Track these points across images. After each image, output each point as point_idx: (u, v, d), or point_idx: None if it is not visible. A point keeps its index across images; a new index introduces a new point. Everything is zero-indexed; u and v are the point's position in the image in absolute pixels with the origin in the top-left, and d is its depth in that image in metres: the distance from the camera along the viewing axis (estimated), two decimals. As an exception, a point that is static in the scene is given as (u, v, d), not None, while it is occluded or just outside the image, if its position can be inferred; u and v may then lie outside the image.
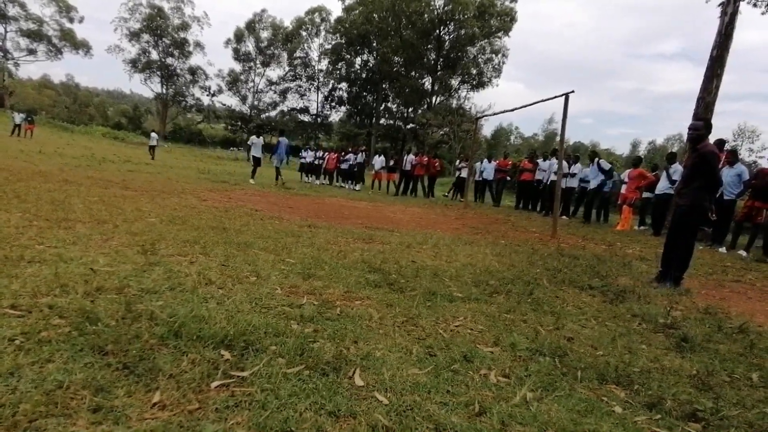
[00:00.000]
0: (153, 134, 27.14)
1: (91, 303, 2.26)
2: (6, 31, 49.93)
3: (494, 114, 14.86)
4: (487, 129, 65.91)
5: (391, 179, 18.02)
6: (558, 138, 12.87)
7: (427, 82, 51.50)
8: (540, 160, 13.51)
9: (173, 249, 3.66)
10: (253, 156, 14.82)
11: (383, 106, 54.86)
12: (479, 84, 50.13)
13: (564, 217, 12.19)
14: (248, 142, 15.53)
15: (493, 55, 49.19)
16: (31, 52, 52.01)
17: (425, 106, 49.60)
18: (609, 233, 9.10)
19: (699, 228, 4.56)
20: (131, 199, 6.28)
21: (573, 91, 7.61)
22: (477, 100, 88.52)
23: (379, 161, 18.17)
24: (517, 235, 7.63)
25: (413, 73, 50.23)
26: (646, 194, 10.91)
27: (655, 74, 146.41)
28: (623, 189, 11.45)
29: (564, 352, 2.40)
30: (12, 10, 49.22)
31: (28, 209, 4.53)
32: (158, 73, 56.45)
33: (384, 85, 52.38)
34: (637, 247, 7.23)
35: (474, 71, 49.22)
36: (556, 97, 8.10)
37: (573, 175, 12.16)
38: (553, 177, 11.76)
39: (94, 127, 45.87)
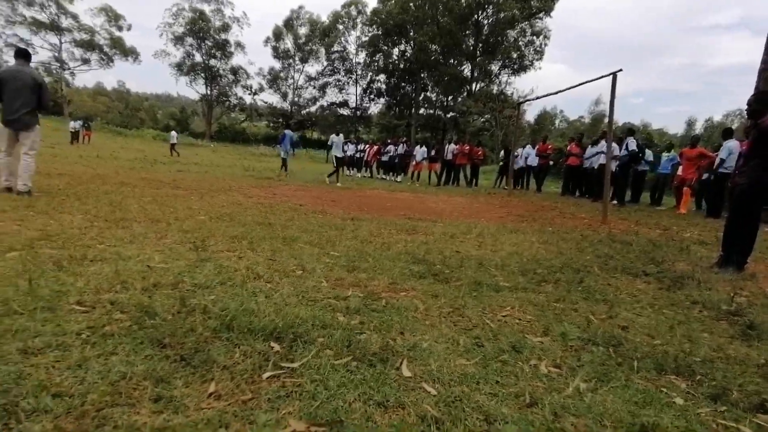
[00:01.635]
0: (173, 133, 28.61)
1: (149, 298, 2.36)
2: (61, 43, 52.83)
3: (537, 98, 14.56)
4: (531, 114, 64.13)
5: (432, 169, 17.87)
6: (606, 120, 12.34)
7: (467, 69, 50.61)
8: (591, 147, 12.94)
9: (222, 245, 3.77)
10: (335, 156, 13.96)
11: (422, 95, 54.42)
12: (520, 68, 48.77)
13: (614, 202, 11.73)
14: (328, 142, 14.92)
15: (534, 38, 47.66)
16: (85, 61, 54.88)
17: (465, 94, 48.81)
18: (664, 217, 8.68)
19: (763, 208, 4.26)
20: (182, 198, 6.52)
21: (621, 70, 7.28)
22: (518, 85, 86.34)
23: (421, 152, 18.06)
24: (564, 221, 7.41)
25: (452, 61, 49.50)
26: (707, 175, 10.32)
27: (710, 47, 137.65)
28: (680, 170, 10.89)
29: (618, 341, 2.31)
30: (65, 22, 52.02)
31: (89, 211, 4.79)
32: (202, 74, 58.28)
33: (422, 75, 51.87)
34: (695, 230, 6.86)
35: (515, 55, 47.91)
36: (602, 77, 7.77)
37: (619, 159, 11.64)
38: (601, 160, 11.31)
39: (145, 131, 47.95)
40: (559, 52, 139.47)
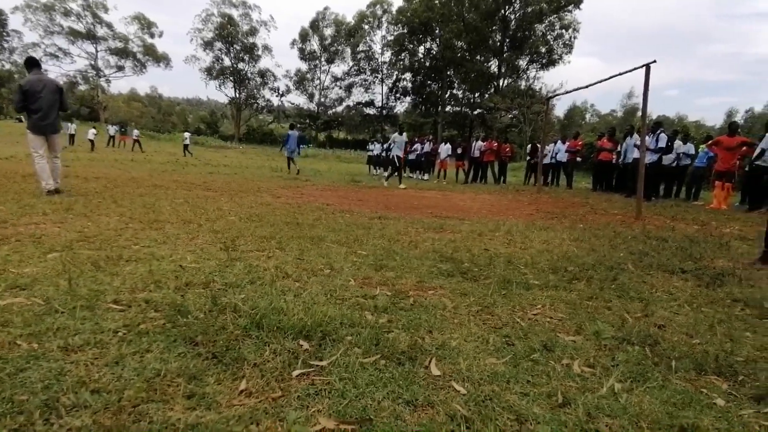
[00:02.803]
0: (186, 134, 29.81)
1: (182, 297, 2.41)
2: (97, 51, 54.84)
3: (566, 92, 14.14)
4: (560, 109, 63.03)
5: (459, 167, 17.73)
6: (639, 113, 11.98)
7: (494, 65, 50.05)
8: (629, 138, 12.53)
9: (252, 245, 3.83)
10: (396, 156, 12.93)
11: (448, 93, 54.11)
12: (549, 62, 47.95)
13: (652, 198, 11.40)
14: (390, 141, 13.50)
15: (563, 31, 46.80)
16: (120, 68, 56.80)
17: (492, 90, 48.28)
18: (702, 212, 8.38)
19: None
20: (212, 200, 6.66)
21: (654, 61, 7.05)
22: (547, 80, 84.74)
23: (445, 149, 17.95)
24: (596, 218, 7.23)
25: (478, 57, 49.02)
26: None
27: (753, 35, 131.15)
28: (717, 163, 10.48)
29: (655, 340, 2.24)
30: (101, 31, 53.93)
31: (124, 212, 4.94)
32: (231, 78, 59.50)
33: (448, 72, 51.56)
34: (735, 225, 6.60)
35: (543, 49, 47.13)
36: (635, 69, 7.55)
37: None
38: (635, 154, 10.99)
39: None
40: (589, 44, 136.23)
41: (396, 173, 13.12)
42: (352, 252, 3.82)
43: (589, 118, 73.25)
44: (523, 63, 49.24)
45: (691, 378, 1.89)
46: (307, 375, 1.73)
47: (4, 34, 56.26)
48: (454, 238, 4.83)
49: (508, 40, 47.99)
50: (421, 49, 54.14)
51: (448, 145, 18.43)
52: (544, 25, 46.62)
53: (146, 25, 56.22)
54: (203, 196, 6.99)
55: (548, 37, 47.07)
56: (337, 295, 2.67)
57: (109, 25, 54.62)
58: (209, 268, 3.03)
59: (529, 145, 17.23)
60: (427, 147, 18.25)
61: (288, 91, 62.22)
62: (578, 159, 15.35)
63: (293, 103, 63.41)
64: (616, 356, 2.05)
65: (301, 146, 16.94)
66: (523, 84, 48.12)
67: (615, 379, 1.81)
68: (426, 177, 17.74)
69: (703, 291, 3.24)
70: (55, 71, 56.28)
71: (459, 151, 17.81)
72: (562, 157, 14.93)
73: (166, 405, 1.47)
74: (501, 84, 48.84)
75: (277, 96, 62.71)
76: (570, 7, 45.19)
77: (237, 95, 60.51)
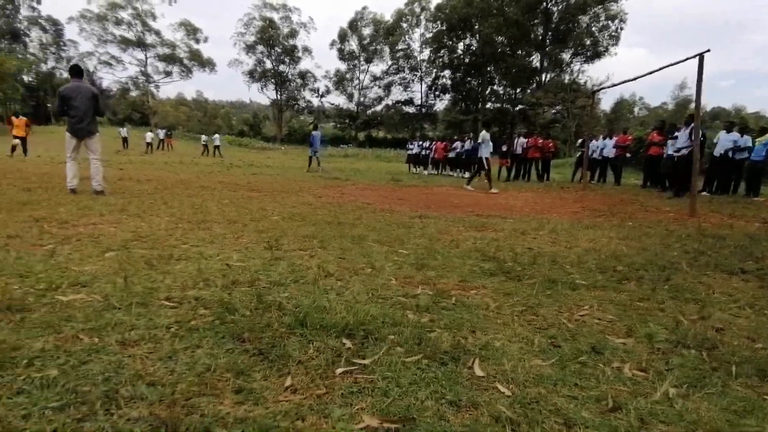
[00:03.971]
0: (216, 135, 30.95)
1: (229, 295, 2.49)
2: (146, 58, 57.34)
3: (613, 86, 13.58)
4: (606, 102, 60.79)
5: (502, 165, 17.43)
6: (693, 105, 11.41)
7: (536, 60, 48.95)
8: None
9: (295, 244, 3.90)
10: (485, 157, 11.49)
11: (489, 89, 53.33)
12: (594, 55, 46.40)
13: (705, 193, 10.85)
14: (479, 140, 11.63)
15: (609, 22, 45.18)
16: (167, 74, 59.20)
17: (534, 85, 47.23)
18: (763, 209, 7.89)
19: None
20: (256, 200, 6.83)
21: (708, 50, 6.70)
22: (592, 73, 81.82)
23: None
24: (647, 215, 6.95)
25: (519, 52, 48.04)
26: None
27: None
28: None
29: (713, 344, 2.13)
30: (150, 38, 56.38)
31: (174, 213, 5.14)
32: (272, 80, 60.89)
33: (489, 68, 50.81)
34: (800, 223, 6.18)
35: (587, 42, 45.65)
36: (687, 59, 7.20)
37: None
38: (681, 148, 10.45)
39: (221, 136, 50.78)
40: (636, 35, 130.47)
41: (479, 175, 11.89)
42: (393, 251, 3.82)
43: (637, 112, 70.43)
44: (566, 56, 47.88)
45: (753, 384, 1.79)
46: (351, 373, 1.74)
47: (61, 43, 59.66)
48: (497, 236, 4.76)
49: (550, 34, 46.77)
50: (461, 45, 53.61)
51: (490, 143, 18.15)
52: (588, 17, 45.11)
53: (192, 31, 58.31)
54: (247, 197, 7.18)
55: (593, 28, 45.53)
56: (379, 294, 2.68)
57: (158, 33, 57.06)
58: (254, 266, 3.10)
59: (580, 140, 16.62)
60: (468, 145, 18.04)
61: (328, 91, 63.12)
62: (627, 154, 14.72)
63: (333, 104, 64.24)
64: (670, 360, 1.97)
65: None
66: (566, 78, 46.80)
67: (669, 384, 1.74)
68: (467, 175, 17.54)
69: (766, 293, 3.05)
70: (108, 78, 59.66)
71: (503, 148, 17.49)
72: (609, 152, 14.40)
73: (216, 399, 1.52)
74: (543, 79, 47.68)
75: (317, 97, 63.78)
76: (616, -3, 43.49)
77: (278, 97, 61.87)
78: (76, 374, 1.60)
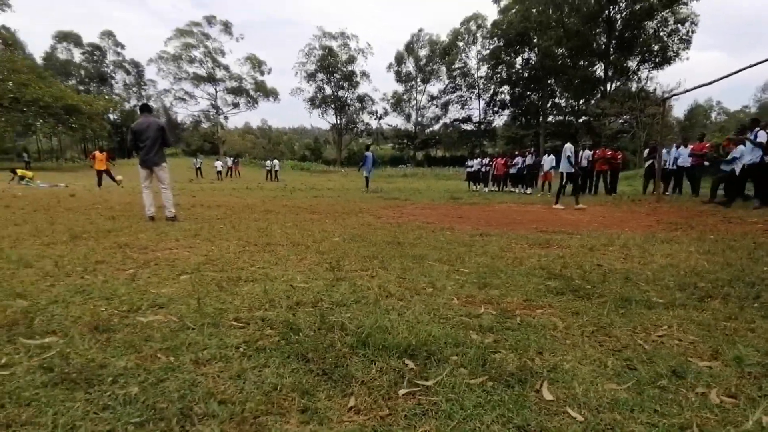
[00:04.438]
0: (275, 161, 32.03)
1: (293, 316, 2.55)
2: (216, 91, 61.18)
3: (686, 91, 12.69)
4: (679, 109, 57.52)
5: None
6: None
7: (599, 69, 47.25)
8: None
9: (356, 265, 3.95)
10: (566, 173, 10.66)
11: (550, 102, 52.01)
12: (663, 61, 44.06)
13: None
14: (565, 153, 10.52)
15: (679, 26, 42.78)
16: (235, 105, 62.82)
17: (599, 96, 45.48)
18: None
19: None
20: (318, 222, 7.01)
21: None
22: (662, 79, 77.77)
23: (548, 161, 17.19)
24: (730, 228, 6.42)
25: (581, 63, 46.60)
26: None
27: None
28: None
29: (815, 369, 1.91)
30: (219, 73, 60.25)
31: (241, 237, 5.38)
32: (332, 106, 62.91)
33: (549, 81, 49.62)
34: None
35: (655, 47, 43.48)
36: (769, 57, 6.68)
37: None
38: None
39: (284, 162, 52.87)
40: (709, 38, 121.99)
41: (563, 191, 11.00)
42: (455, 270, 3.77)
43: (715, 117, 65.86)
44: (632, 64, 45.77)
45: None
46: (413, 394, 1.72)
47: (142, 83, 65.26)
48: (563, 253, 4.58)
49: (614, 42, 45.03)
50: (519, 60, 52.80)
51: (552, 156, 17.61)
52: (655, 22, 42.98)
53: (257, 64, 61.65)
54: (309, 219, 7.39)
55: (661, 33, 43.30)
56: (441, 314, 2.65)
57: (226, 68, 60.84)
58: (317, 287, 3.17)
59: (647, 149, 15.70)
60: (529, 160, 17.62)
61: (386, 113, 64.21)
62: (706, 163, 13.70)
63: (391, 125, 65.19)
64: (763, 386, 1.79)
65: (374, 166, 18.22)
66: (634, 86, 44.63)
67: (763, 411, 1.58)
68: (529, 191, 17.10)
69: None
70: (182, 113, 64.11)
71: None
72: (685, 161, 13.51)
73: (282, 418, 1.56)
74: (608, 88, 45.82)
75: (375, 119, 65.02)
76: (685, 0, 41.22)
77: (338, 121, 63.73)
78: (154, 391, 1.70)
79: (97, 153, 17.77)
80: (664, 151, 13.20)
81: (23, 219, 6.70)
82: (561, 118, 52.10)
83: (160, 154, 7.03)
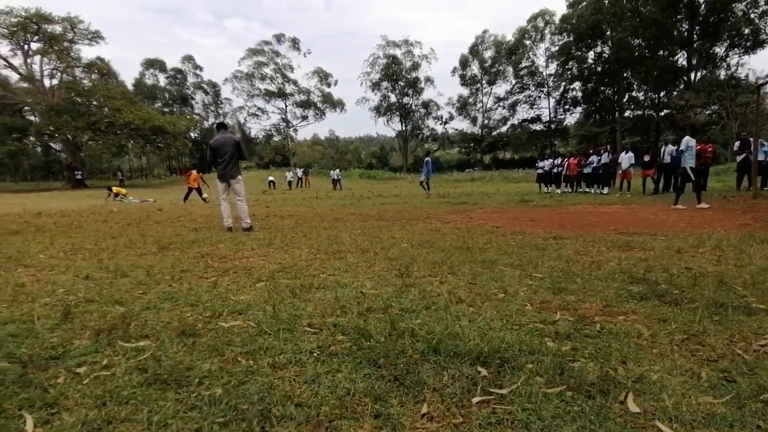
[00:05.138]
0: (337, 170, 33.50)
1: (364, 322, 2.59)
2: (286, 106, 63.82)
3: (784, 75, 11.22)
4: (776, 95, 52.01)
5: (647, 176, 15.79)
6: None
7: (681, 58, 43.99)
8: None
9: (424, 271, 3.94)
10: (689, 168, 9.57)
11: (626, 96, 49.13)
12: (755, 44, 40.23)
13: None
14: (682, 147, 9.67)
15: (772, 5, 38.88)
16: (304, 117, 65.25)
17: (681, 86, 42.32)
18: None
19: None
20: (386, 229, 7.07)
21: None
22: (755, 64, 71.05)
23: (626, 158, 16.20)
24: None
25: (661, 53, 43.62)
26: None
27: None
28: None
29: None
30: (289, 88, 62.83)
31: (312, 245, 5.55)
32: (397, 113, 63.44)
33: (625, 74, 46.92)
34: None
35: (746, 30, 39.79)
36: None
37: None
38: None
39: (351, 171, 53.94)
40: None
41: (683, 190, 10.07)
42: (527, 275, 3.65)
43: (822, 101, 59.01)
44: (720, 50, 42.18)
45: None
46: (488, 403, 1.68)
47: (219, 102, 69.68)
48: (646, 256, 4.29)
49: (698, 28, 41.78)
50: (591, 54, 50.43)
51: (630, 154, 16.59)
52: (744, 3, 39.36)
53: (324, 77, 63.65)
54: (377, 226, 7.47)
55: (752, 15, 39.56)
56: (514, 320, 2.57)
57: (295, 82, 63.34)
58: (386, 294, 3.19)
59: (737, 142, 14.36)
60: (605, 158, 16.71)
61: (451, 117, 63.80)
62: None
63: (456, 129, 64.66)
64: None
65: (431, 171, 18.74)
66: (722, 74, 41.12)
67: None
68: (606, 191, 16.20)
69: None
70: (255, 127, 67.49)
71: (646, 158, 15.88)
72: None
73: (356, 423, 1.58)
74: (693, 77, 42.56)
75: (440, 124, 64.80)
76: (779, -25, 37.46)
77: (403, 128, 64.14)
78: (236, 393, 1.78)
79: (193, 172, 19.11)
80: (760, 142, 12.02)
81: (119, 232, 7.33)
82: (639, 112, 49.06)
83: (236, 168, 7.42)
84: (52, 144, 51.93)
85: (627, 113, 49.41)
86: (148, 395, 1.77)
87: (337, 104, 64.82)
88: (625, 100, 49.15)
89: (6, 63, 40.67)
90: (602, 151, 17.56)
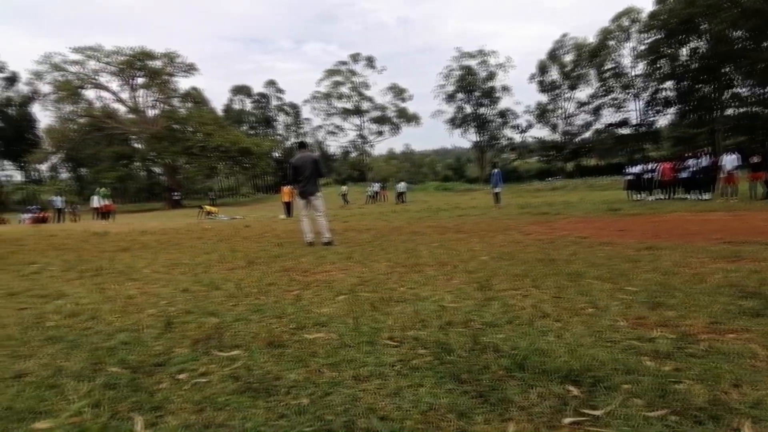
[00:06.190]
0: (402, 184, 33.89)
1: (445, 335, 2.55)
2: (362, 122, 65.44)
3: None
4: None
5: (757, 179, 14.25)
6: None
7: (790, 48, 39.52)
8: None
9: (506, 284, 3.82)
10: None
11: (727, 93, 44.87)
12: None
13: None
14: None
15: None
16: (380, 133, 66.48)
17: (793, 78, 37.98)
18: None
19: None
20: (464, 241, 6.96)
21: None
22: None
23: (730, 161, 14.74)
24: None
25: (766, 44, 39.55)
26: None
27: None
28: None
29: None
30: (364, 105, 64.49)
31: (390, 258, 5.59)
32: (473, 124, 62.68)
33: (725, 69, 42.93)
34: None
35: None
36: None
37: None
38: None
39: (427, 183, 53.90)
40: None
41: None
42: (619, 288, 3.42)
43: None
44: (837, 36, 37.46)
45: None
46: (581, 424, 1.59)
47: (299, 122, 73.09)
48: (758, 267, 3.85)
49: (809, 13, 37.40)
50: (684, 50, 46.71)
51: (736, 155, 15.07)
52: None
53: (398, 92, 64.58)
54: (455, 239, 7.37)
55: None
56: (606, 336, 2.41)
57: (370, 99, 64.82)
58: (467, 307, 3.13)
59: None
60: (705, 161, 15.34)
61: (529, 126, 61.87)
62: None
63: (535, 137, 62.53)
64: None
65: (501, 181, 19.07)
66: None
67: None
68: (706, 196, 14.84)
69: None
70: (333, 145, 69.82)
71: (754, 159, 14.35)
72: None
73: (440, 439, 1.55)
74: (806, 68, 38.08)
75: (518, 133, 63.07)
76: None
77: (479, 139, 63.18)
78: (322, 403, 1.83)
79: (285, 188, 20.24)
80: None
81: (211, 248, 7.85)
82: (744, 109, 44.57)
83: (315, 185, 7.72)
84: (153, 168, 57.36)
85: (729, 111, 45.10)
86: (240, 402, 1.86)
87: (412, 118, 65.33)
88: (725, 97, 44.92)
89: (116, 97, 45.70)
90: (701, 153, 16.14)
